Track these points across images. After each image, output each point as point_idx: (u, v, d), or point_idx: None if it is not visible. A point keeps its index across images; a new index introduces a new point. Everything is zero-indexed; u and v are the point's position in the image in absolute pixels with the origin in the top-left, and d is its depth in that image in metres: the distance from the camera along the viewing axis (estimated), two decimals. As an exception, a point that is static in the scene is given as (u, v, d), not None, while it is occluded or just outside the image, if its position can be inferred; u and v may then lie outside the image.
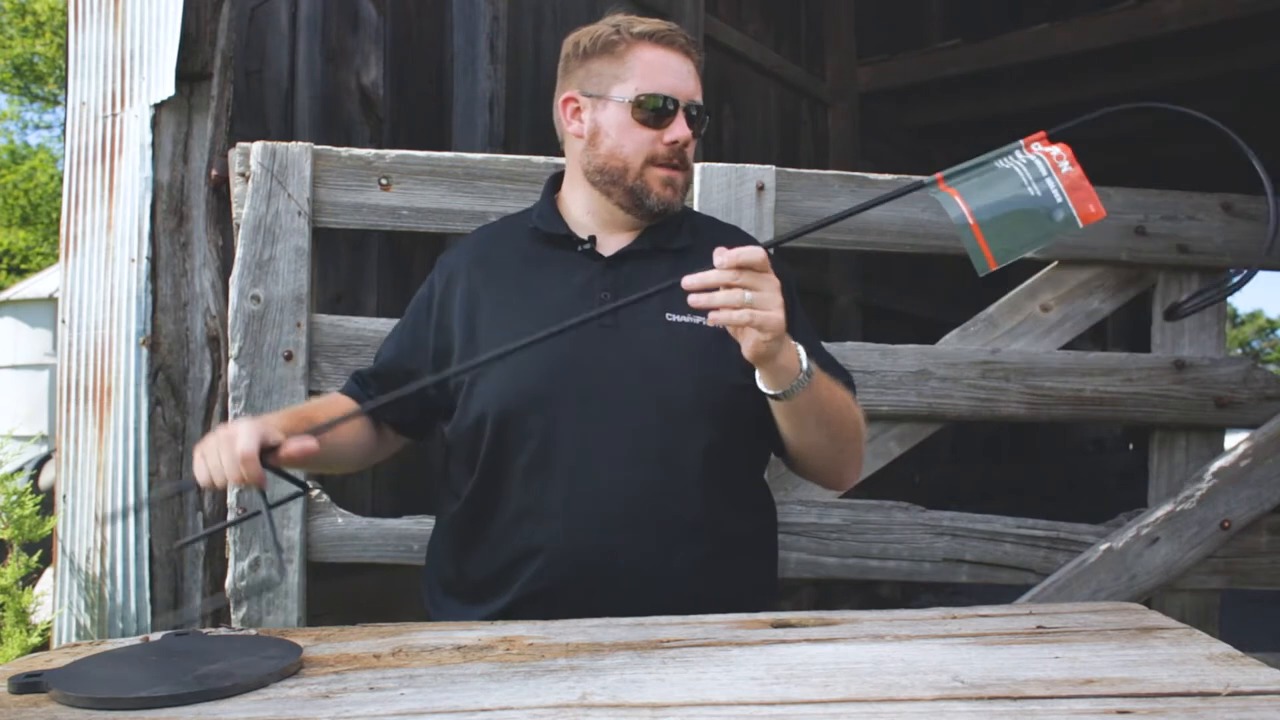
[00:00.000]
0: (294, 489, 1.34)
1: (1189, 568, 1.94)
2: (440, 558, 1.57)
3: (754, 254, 1.21)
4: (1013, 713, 0.88)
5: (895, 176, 1.99)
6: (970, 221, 1.19)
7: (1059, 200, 1.18)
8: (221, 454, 1.24)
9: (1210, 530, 1.93)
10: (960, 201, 1.20)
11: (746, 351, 1.25)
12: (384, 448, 1.61)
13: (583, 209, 1.53)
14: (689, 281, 1.22)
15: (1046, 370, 1.98)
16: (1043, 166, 1.19)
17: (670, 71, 1.46)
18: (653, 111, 1.45)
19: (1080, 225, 1.18)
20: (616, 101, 1.46)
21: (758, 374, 1.31)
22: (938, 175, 1.23)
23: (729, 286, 1.21)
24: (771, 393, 1.31)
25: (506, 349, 1.28)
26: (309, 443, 1.28)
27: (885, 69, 5.87)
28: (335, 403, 1.56)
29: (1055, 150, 1.20)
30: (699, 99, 1.49)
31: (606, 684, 0.97)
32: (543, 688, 0.97)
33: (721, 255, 1.22)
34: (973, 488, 6.76)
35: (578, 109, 1.51)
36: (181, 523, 2.06)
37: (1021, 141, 1.24)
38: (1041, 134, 1.23)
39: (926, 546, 1.96)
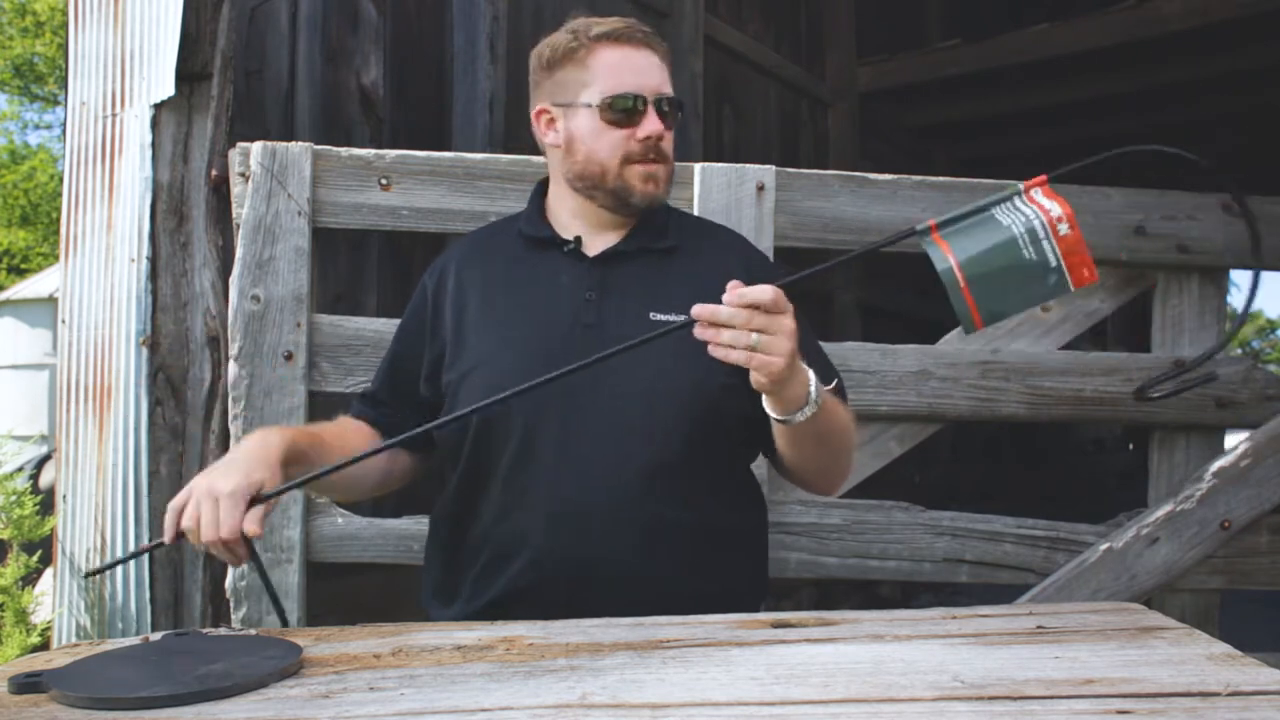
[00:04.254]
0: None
1: (1189, 568, 1.94)
2: (430, 556, 1.57)
3: (763, 294, 1.18)
4: (1013, 713, 0.88)
5: (895, 177, 1.99)
6: (959, 278, 1.19)
7: (1054, 264, 1.18)
8: (203, 511, 1.22)
9: (1210, 530, 1.93)
10: (949, 254, 1.19)
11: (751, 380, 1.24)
12: (397, 464, 1.58)
13: (569, 213, 1.54)
14: (698, 311, 1.19)
15: (1046, 370, 1.98)
16: (1041, 228, 1.18)
17: (632, 68, 1.46)
18: (621, 111, 1.45)
19: (1072, 289, 1.18)
20: (585, 107, 1.46)
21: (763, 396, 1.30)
22: (931, 223, 1.22)
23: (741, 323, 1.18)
24: (774, 416, 1.31)
25: (513, 391, 1.27)
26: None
27: (885, 69, 5.87)
28: (345, 430, 1.54)
29: (1055, 210, 1.18)
30: (667, 90, 1.48)
31: (606, 684, 0.97)
32: (543, 688, 0.97)
33: (733, 292, 1.19)
34: (973, 488, 6.76)
35: (551, 120, 1.52)
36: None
37: (1021, 186, 1.21)
38: (1043, 178, 1.21)
39: (926, 546, 1.96)
